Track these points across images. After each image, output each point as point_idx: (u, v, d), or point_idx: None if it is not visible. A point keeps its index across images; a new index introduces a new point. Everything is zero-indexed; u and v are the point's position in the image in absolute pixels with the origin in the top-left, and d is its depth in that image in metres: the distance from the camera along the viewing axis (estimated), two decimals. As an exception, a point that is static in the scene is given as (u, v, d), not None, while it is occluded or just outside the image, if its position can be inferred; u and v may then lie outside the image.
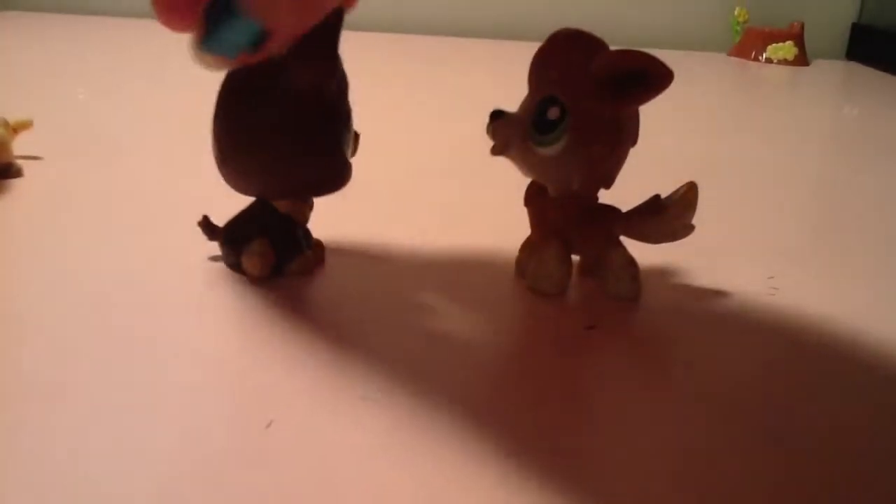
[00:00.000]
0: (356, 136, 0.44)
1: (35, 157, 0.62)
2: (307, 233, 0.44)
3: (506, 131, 0.42)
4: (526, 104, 0.42)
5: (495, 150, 0.43)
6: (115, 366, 0.35)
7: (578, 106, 0.39)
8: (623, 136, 0.41)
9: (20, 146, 0.61)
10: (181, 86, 0.97)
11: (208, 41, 0.35)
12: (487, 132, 0.42)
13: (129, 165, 0.64)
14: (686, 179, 0.43)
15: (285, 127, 0.40)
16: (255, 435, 0.30)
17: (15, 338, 0.37)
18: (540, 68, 0.41)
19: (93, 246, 0.47)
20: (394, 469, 0.29)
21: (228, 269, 0.44)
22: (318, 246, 0.46)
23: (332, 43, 0.38)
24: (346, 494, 0.27)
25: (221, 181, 0.42)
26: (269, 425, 0.31)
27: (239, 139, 0.40)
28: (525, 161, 0.42)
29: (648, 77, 0.39)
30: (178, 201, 0.55)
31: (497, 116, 0.42)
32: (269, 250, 0.42)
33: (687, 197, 0.43)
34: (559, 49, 0.40)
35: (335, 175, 0.42)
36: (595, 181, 0.42)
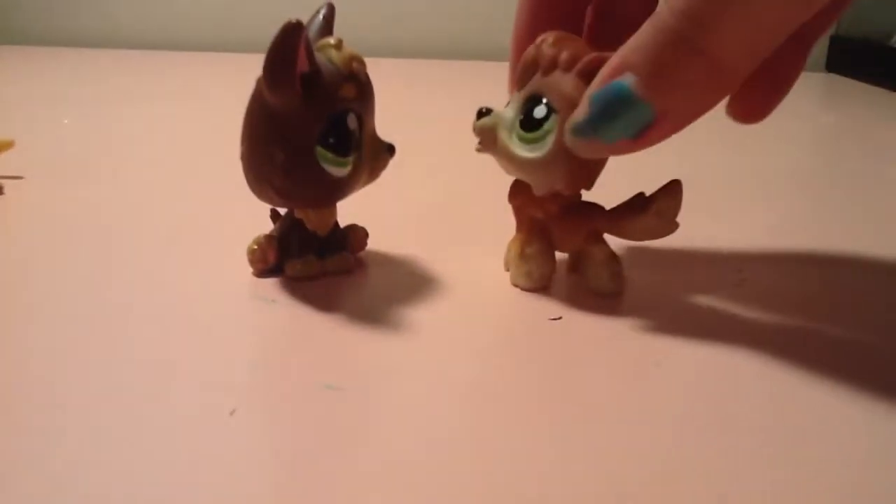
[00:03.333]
0: (385, 151, 0.44)
1: (16, 177, 0.62)
2: (332, 239, 0.45)
3: (491, 129, 0.42)
4: (512, 104, 0.42)
5: (481, 148, 0.43)
6: (109, 378, 0.34)
7: (566, 106, 0.40)
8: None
9: (0, 165, 0.61)
10: (167, 114, 0.97)
11: (596, 127, 0.34)
12: (473, 129, 0.43)
13: (112, 185, 0.64)
14: (663, 180, 0.43)
15: (257, 141, 0.41)
16: (220, 420, 0.30)
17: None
18: (528, 68, 0.42)
19: (74, 263, 0.47)
20: (358, 461, 0.29)
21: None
22: (359, 246, 0.48)
23: (287, 70, 0.37)
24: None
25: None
26: (232, 412, 0.31)
27: (242, 146, 0.42)
28: (510, 160, 0.42)
29: None
30: (161, 220, 0.55)
31: (483, 114, 0.43)
32: (269, 245, 0.44)
33: (671, 195, 0.43)
34: (547, 50, 0.41)
35: (302, 190, 0.42)
36: (577, 183, 0.42)
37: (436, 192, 0.63)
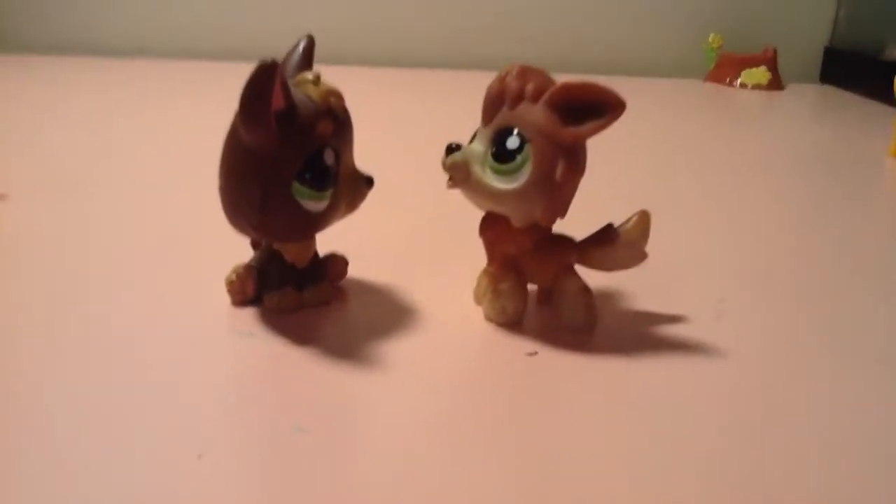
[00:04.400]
0: (363, 184, 0.44)
1: None
2: (311, 270, 0.45)
3: (464, 164, 0.42)
4: (480, 138, 0.43)
5: (453, 183, 0.43)
6: (94, 396, 0.35)
7: (538, 136, 0.40)
8: (581, 165, 0.42)
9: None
10: (151, 126, 0.97)
11: None
12: (443, 166, 0.43)
13: (94, 206, 0.64)
14: (654, 205, 0.43)
15: (234, 177, 0.41)
16: (187, 465, 0.30)
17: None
18: (494, 102, 0.42)
19: (51, 287, 0.48)
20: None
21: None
22: (338, 275, 0.48)
23: (262, 109, 0.38)
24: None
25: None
26: (199, 457, 0.31)
27: (220, 179, 0.42)
28: (485, 194, 0.42)
29: (603, 107, 0.39)
30: (142, 244, 0.56)
31: (453, 150, 0.43)
32: (248, 276, 0.45)
33: (639, 225, 0.44)
34: (512, 83, 0.41)
35: (279, 225, 0.42)
36: (555, 211, 0.42)
37: (415, 218, 0.63)
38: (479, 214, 0.45)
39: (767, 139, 1.06)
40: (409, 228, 0.61)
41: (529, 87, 0.41)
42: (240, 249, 0.46)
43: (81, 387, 0.36)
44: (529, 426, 0.35)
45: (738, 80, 1.48)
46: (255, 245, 0.47)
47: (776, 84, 1.47)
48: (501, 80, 0.42)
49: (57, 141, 0.86)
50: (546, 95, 0.40)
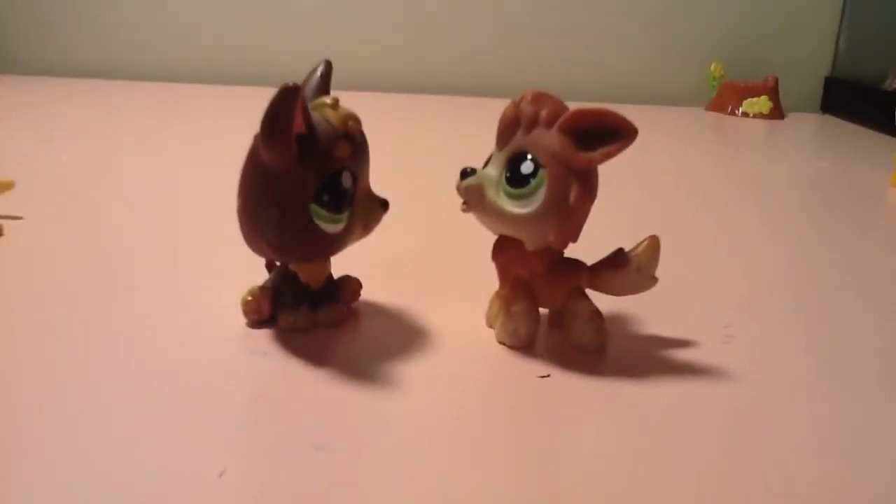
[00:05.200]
0: (379, 207, 0.45)
1: (16, 217, 0.63)
2: (325, 291, 0.46)
3: (478, 188, 0.43)
4: (494, 162, 0.43)
5: (467, 207, 0.44)
6: (112, 418, 0.35)
7: (552, 161, 0.41)
8: (594, 190, 0.43)
9: (0, 206, 0.62)
10: (165, 148, 0.99)
11: None
12: (458, 190, 0.43)
13: (111, 227, 0.65)
14: (657, 232, 0.44)
15: (253, 197, 0.42)
16: (209, 484, 0.31)
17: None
18: (508, 126, 0.43)
19: (71, 309, 0.48)
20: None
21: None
22: (352, 297, 0.49)
23: (283, 132, 0.39)
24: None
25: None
26: (221, 474, 0.31)
27: (238, 200, 0.43)
28: (500, 217, 0.43)
29: (615, 132, 0.40)
30: (159, 264, 0.56)
31: (468, 174, 0.44)
32: (263, 297, 0.45)
33: (649, 250, 0.44)
34: (527, 108, 0.42)
35: (296, 246, 0.43)
36: (568, 235, 0.43)
37: (428, 240, 0.64)
38: (491, 237, 0.45)
39: (769, 168, 1.07)
40: (421, 251, 0.61)
41: (544, 113, 0.42)
42: (254, 270, 0.47)
43: (98, 409, 0.37)
44: (543, 448, 0.36)
45: (740, 109, 1.50)
46: (269, 266, 0.47)
47: (777, 113, 1.49)
48: (516, 106, 0.43)
49: (72, 163, 0.87)
50: (560, 121, 0.41)
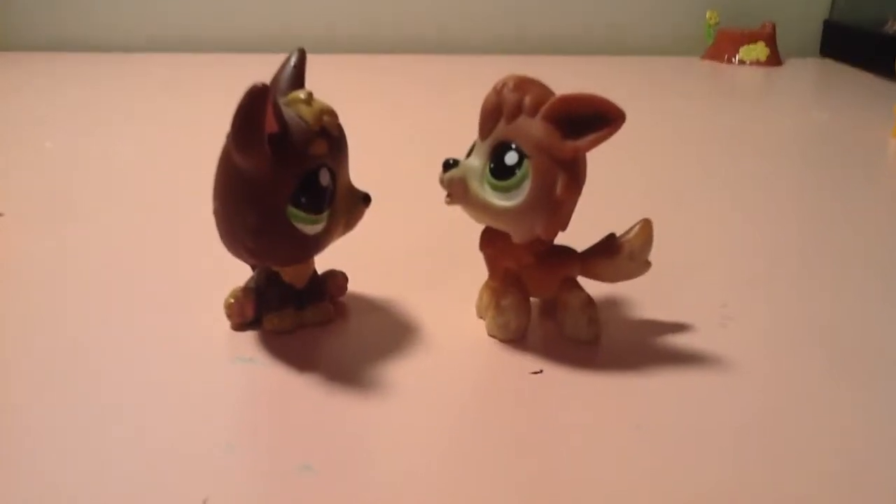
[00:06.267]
0: (360, 202, 0.43)
1: (-4, 214, 0.62)
2: (310, 289, 0.45)
3: (461, 180, 0.41)
4: (477, 152, 0.42)
5: (451, 200, 0.42)
6: (88, 432, 0.34)
7: (537, 151, 0.39)
8: (581, 179, 0.41)
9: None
10: (150, 131, 0.96)
11: None
12: (441, 182, 0.42)
13: (92, 225, 0.63)
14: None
15: (228, 202, 0.40)
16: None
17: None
18: (491, 114, 0.41)
19: (49, 312, 0.47)
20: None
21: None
22: (338, 292, 0.48)
23: (255, 134, 0.37)
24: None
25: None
26: (204, 502, 0.31)
27: (214, 202, 0.41)
28: (486, 210, 0.41)
29: (602, 117, 0.38)
30: (140, 265, 0.55)
31: (450, 166, 0.42)
32: (247, 299, 0.44)
33: (642, 235, 0.43)
34: (509, 95, 0.40)
35: (276, 251, 0.42)
36: (556, 226, 0.42)
37: (413, 230, 0.62)
38: (479, 226, 0.44)
39: (768, 120, 1.05)
40: (407, 241, 0.60)
41: (527, 100, 0.40)
42: (239, 268, 0.46)
43: (70, 428, 0.36)
44: (538, 447, 0.35)
45: (737, 57, 1.46)
46: (254, 266, 0.46)
47: (775, 60, 1.45)
48: (498, 93, 0.41)
49: (55, 152, 0.85)
50: (544, 108, 0.39)
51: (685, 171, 0.79)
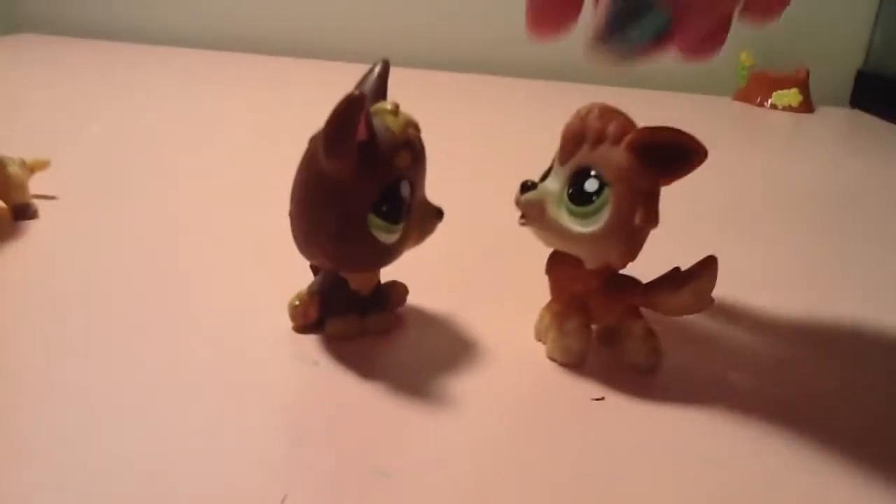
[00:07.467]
0: (434, 216, 0.44)
1: (50, 197, 0.62)
2: (374, 298, 0.45)
3: (539, 203, 0.42)
4: (555, 177, 0.42)
5: (526, 222, 0.43)
6: (157, 432, 0.34)
7: (618, 180, 0.40)
8: (657, 210, 0.41)
9: (34, 185, 0.61)
10: (201, 117, 0.97)
11: (616, 36, 0.35)
12: (517, 204, 0.43)
13: (148, 209, 0.64)
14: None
15: (309, 205, 0.41)
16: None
17: (34, 391, 0.37)
18: (572, 140, 0.42)
19: (107, 301, 0.47)
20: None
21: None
22: (398, 302, 0.48)
23: (347, 141, 0.38)
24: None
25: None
26: (283, 500, 0.31)
27: (291, 204, 0.42)
28: (560, 235, 0.42)
29: (684, 152, 0.39)
30: (199, 254, 0.55)
31: (528, 188, 0.43)
32: (311, 302, 0.44)
33: (706, 272, 0.43)
34: (594, 122, 0.41)
35: (353, 256, 0.42)
36: (630, 255, 0.42)
37: (475, 245, 0.63)
38: (541, 248, 0.44)
39: (798, 167, 1.05)
40: (468, 256, 0.60)
41: (611, 129, 0.40)
42: (301, 268, 0.46)
43: (139, 421, 0.36)
44: (605, 475, 0.35)
45: (769, 101, 1.47)
46: (314, 268, 0.47)
47: (807, 107, 1.47)
48: (583, 119, 0.41)
49: (105, 135, 0.86)
50: (629, 137, 0.40)
51: (714, 210, 0.79)
